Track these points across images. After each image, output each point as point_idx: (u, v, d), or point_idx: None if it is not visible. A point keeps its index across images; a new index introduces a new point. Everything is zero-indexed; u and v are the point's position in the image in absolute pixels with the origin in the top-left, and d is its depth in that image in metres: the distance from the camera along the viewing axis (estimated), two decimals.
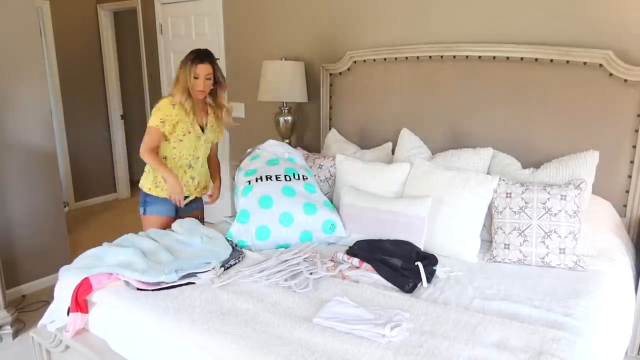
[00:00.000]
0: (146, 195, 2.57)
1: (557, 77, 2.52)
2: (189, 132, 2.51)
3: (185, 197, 2.58)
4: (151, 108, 4.99)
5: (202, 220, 2.82)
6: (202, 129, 2.58)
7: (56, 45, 4.86)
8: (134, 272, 1.88)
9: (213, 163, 2.81)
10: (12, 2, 3.04)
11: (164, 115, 2.43)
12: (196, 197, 2.71)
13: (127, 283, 1.89)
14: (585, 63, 2.43)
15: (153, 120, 2.44)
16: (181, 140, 2.51)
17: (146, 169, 2.59)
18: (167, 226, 2.52)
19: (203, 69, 2.45)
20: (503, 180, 2.28)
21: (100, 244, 2.34)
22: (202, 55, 2.48)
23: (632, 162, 2.40)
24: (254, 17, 3.83)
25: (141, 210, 2.60)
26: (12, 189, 3.14)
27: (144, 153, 2.43)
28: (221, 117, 2.64)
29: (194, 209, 2.74)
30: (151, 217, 2.56)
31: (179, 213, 2.65)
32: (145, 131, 2.46)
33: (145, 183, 2.57)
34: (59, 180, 3.47)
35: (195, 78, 2.44)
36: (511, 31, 2.68)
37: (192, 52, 2.51)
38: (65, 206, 4.86)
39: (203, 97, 2.54)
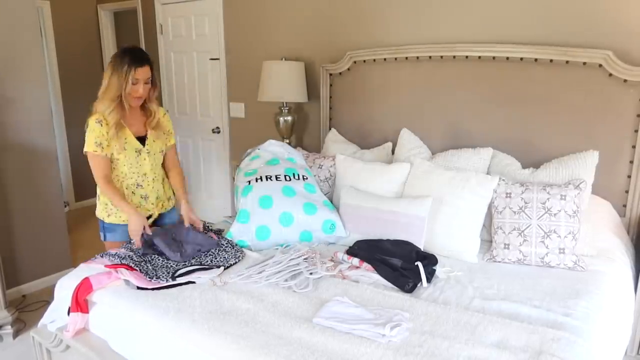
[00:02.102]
0: (102, 222, 2.32)
1: (556, 77, 2.52)
2: (124, 149, 2.20)
3: (148, 217, 2.33)
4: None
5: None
6: (143, 141, 2.26)
7: (56, 45, 4.87)
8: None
9: (173, 175, 2.44)
10: (12, 2, 3.05)
11: (97, 137, 2.12)
12: (162, 213, 2.44)
13: (127, 282, 1.90)
14: (584, 63, 2.44)
15: (88, 145, 2.13)
16: (118, 159, 2.21)
17: (97, 194, 2.33)
18: None
19: (143, 73, 2.13)
20: (503, 180, 2.29)
21: (100, 244, 2.35)
22: (140, 57, 2.15)
23: (631, 162, 2.40)
24: (254, 17, 3.83)
25: (101, 236, 2.36)
26: (12, 189, 3.14)
27: (98, 182, 2.17)
28: (159, 122, 2.32)
29: (177, 220, 2.46)
30: (113, 243, 2.31)
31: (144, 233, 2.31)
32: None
33: (98, 211, 2.33)
34: (59, 180, 3.48)
35: (134, 84, 2.13)
36: (511, 31, 2.68)
37: (124, 52, 2.14)
38: (65, 206, 4.86)
39: (140, 103, 2.25)
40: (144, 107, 2.30)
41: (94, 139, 2.12)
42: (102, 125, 2.13)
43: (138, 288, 1.87)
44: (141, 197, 2.33)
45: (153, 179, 2.34)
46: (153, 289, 1.87)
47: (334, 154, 2.99)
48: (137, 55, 2.15)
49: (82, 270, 2.05)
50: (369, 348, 1.47)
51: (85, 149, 2.15)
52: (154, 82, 2.25)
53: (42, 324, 2.08)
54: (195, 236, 2.24)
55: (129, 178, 2.27)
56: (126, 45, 2.22)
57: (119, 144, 2.18)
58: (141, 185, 2.31)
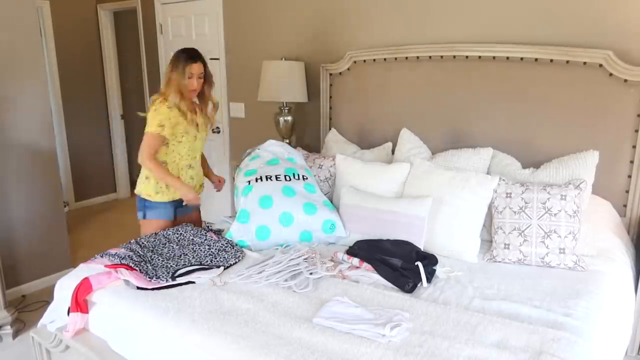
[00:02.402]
0: (145, 200, 2.54)
1: (557, 77, 2.52)
2: (187, 133, 2.50)
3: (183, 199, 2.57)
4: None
5: (199, 220, 2.82)
6: (197, 129, 2.58)
7: (56, 45, 4.87)
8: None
9: (203, 162, 2.84)
10: (12, 2, 3.05)
11: (163, 119, 2.39)
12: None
13: (126, 282, 1.89)
14: (585, 63, 2.43)
15: (151, 125, 2.39)
16: (180, 142, 2.49)
17: (143, 174, 2.55)
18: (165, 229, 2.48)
19: (197, 68, 2.45)
20: (503, 180, 2.29)
21: (100, 244, 2.34)
22: (194, 55, 2.47)
23: (632, 162, 2.40)
24: (254, 17, 3.83)
25: (140, 215, 2.57)
26: (12, 188, 3.14)
27: (146, 161, 2.39)
28: (208, 113, 2.65)
29: (192, 210, 2.72)
30: (152, 221, 2.54)
31: (177, 215, 2.63)
32: (142, 136, 2.41)
33: (144, 189, 2.53)
34: (59, 180, 3.48)
35: (189, 78, 2.43)
36: (511, 31, 2.68)
37: (182, 51, 2.48)
38: (65, 206, 4.87)
39: (194, 96, 2.54)
40: (199, 100, 2.62)
41: (159, 121, 2.39)
42: (170, 110, 2.41)
43: (138, 288, 1.87)
44: (190, 177, 2.60)
45: (198, 163, 2.67)
46: (153, 289, 1.87)
47: (334, 154, 2.99)
48: (190, 53, 2.48)
49: (82, 270, 2.04)
50: (369, 348, 1.47)
51: (147, 129, 2.40)
52: (208, 78, 2.56)
53: (42, 324, 2.08)
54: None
55: (184, 159, 2.55)
56: (183, 47, 2.55)
57: (183, 129, 2.48)
58: (192, 167, 2.61)
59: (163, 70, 4.60)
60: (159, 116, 2.39)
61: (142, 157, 2.40)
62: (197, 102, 2.60)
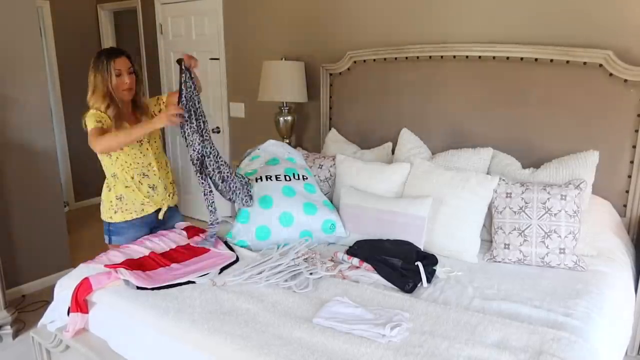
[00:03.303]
0: (108, 224, 2.31)
1: (557, 77, 2.52)
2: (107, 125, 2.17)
3: (158, 210, 2.37)
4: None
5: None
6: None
7: (56, 45, 4.87)
8: None
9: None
10: (12, 2, 3.05)
11: (97, 118, 2.12)
12: (170, 206, 2.44)
13: (126, 282, 1.89)
14: (585, 63, 2.43)
15: (90, 124, 2.10)
16: (121, 149, 2.20)
17: (102, 198, 2.32)
18: None
19: (123, 63, 2.17)
20: (503, 180, 2.29)
21: (100, 244, 2.34)
22: (115, 50, 2.21)
23: (632, 162, 2.40)
24: (254, 17, 3.83)
25: (106, 239, 2.35)
26: (12, 189, 3.14)
27: (96, 143, 2.04)
28: (151, 113, 2.34)
29: (175, 221, 2.49)
30: (117, 246, 2.29)
31: (157, 231, 2.40)
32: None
33: (104, 212, 2.31)
34: (59, 180, 3.48)
35: (118, 75, 2.15)
36: (511, 31, 2.68)
37: (100, 52, 2.20)
38: (65, 206, 4.86)
39: (131, 96, 2.26)
40: (134, 105, 2.31)
41: (94, 120, 2.11)
42: (102, 112, 2.15)
43: (138, 288, 1.87)
44: (149, 187, 2.33)
45: (158, 168, 2.35)
46: (152, 288, 1.87)
47: (334, 154, 2.99)
48: (112, 49, 2.23)
49: (82, 270, 2.05)
50: (369, 348, 1.47)
51: (89, 129, 2.11)
52: (137, 74, 2.26)
53: (42, 324, 2.08)
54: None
55: (133, 168, 2.28)
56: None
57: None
58: (147, 176, 2.31)
59: (163, 70, 4.61)
60: (92, 117, 2.12)
61: (93, 145, 2.06)
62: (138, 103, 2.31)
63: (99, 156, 2.26)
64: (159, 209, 2.38)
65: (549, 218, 2.10)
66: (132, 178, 2.28)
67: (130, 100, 2.28)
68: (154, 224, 2.42)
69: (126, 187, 2.28)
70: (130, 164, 2.26)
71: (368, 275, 1.99)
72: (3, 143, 3.07)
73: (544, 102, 2.57)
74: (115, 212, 2.29)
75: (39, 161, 3.27)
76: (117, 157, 2.24)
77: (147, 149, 2.31)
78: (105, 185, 2.33)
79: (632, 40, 2.37)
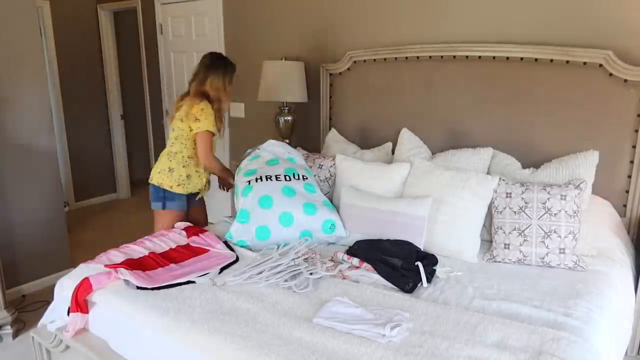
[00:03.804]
0: (165, 191, 2.66)
1: (557, 77, 2.52)
2: (216, 134, 2.72)
3: (197, 193, 2.79)
4: (151, 108, 4.99)
5: (205, 214, 3.01)
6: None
7: (56, 45, 4.87)
8: None
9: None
10: (12, 2, 3.05)
11: (213, 121, 2.60)
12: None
13: (126, 282, 1.89)
14: (585, 63, 2.43)
15: (207, 125, 2.57)
16: (215, 142, 2.72)
17: (165, 166, 2.67)
18: (181, 220, 2.70)
19: None
20: (503, 180, 2.29)
21: (100, 244, 2.35)
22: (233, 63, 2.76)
23: (632, 162, 2.40)
24: (254, 17, 3.83)
25: (159, 205, 2.69)
26: (12, 189, 3.14)
27: (209, 160, 2.65)
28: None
29: (201, 204, 2.93)
30: (170, 212, 2.69)
31: (189, 207, 2.81)
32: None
33: (166, 181, 2.66)
34: (59, 180, 3.47)
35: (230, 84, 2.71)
36: (511, 31, 2.68)
37: (225, 58, 2.73)
38: (65, 206, 4.86)
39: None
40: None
41: (212, 121, 2.60)
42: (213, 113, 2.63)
43: (138, 288, 1.87)
44: (206, 176, 2.80)
45: None
46: (152, 288, 1.87)
47: (334, 154, 2.99)
48: (231, 62, 2.75)
49: (82, 270, 2.05)
50: (369, 348, 1.47)
51: (203, 127, 2.57)
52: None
53: (42, 324, 2.08)
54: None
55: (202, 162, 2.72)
56: (216, 52, 2.75)
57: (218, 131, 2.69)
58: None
59: (163, 70, 4.60)
60: (211, 117, 2.59)
61: (205, 157, 2.63)
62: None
63: (182, 136, 2.64)
64: (198, 192, 2.82)
65: (549, 218, 2.10)
66: (201, 165, 2.72)
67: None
68: (190, 199, 2.80)
69: (196, 171, 2.72)
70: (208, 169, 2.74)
71: (368, 275, 1.99)
72: (3, 143, 3.07)
73: (544, 102, 2.57)
74: (178, 185, 2.66)
75: (39, 161, 3.27)
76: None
77: (218, 145, 2.83)
78: (178, 160, 2.66)
79: (632, 40, 2.37)
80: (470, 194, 2.26)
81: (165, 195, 2.68)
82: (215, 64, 2.68)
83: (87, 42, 5.19)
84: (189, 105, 2.60)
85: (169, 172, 2.66)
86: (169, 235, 2.38)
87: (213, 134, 2.63)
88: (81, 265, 2.11)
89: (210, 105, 2.61)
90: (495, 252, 2.18)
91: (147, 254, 2.15)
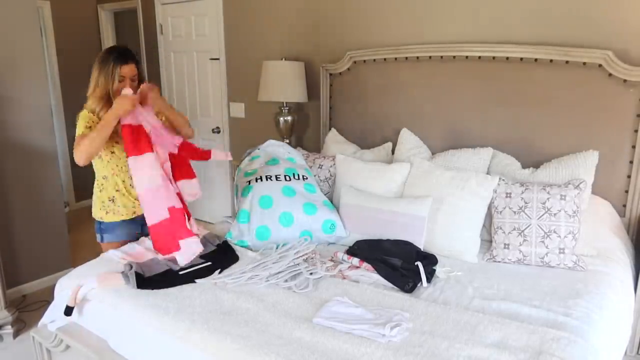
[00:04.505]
0: (100, 223, 2.33)
1: (556, 77, 2.52)
2: (117, 142, 2.24)
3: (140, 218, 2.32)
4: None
5: None
6: None
7: (56, 45, 4.87)
8: None
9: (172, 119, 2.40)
10: (12, 2, 3.05)
11: (87, 122, 2.16)
12: None
13: (126, 281, 1.89)
14: (584, 63, 2.44)
15: (79, 129, 2.15)
16: (113, 152, 2.25)
17: (95, 191, 2.34)
18: None
19: (128, 70, 2.18)
20: (503, 180, 2.29)
21: (100, 244, 2.37)
22: (124, 55, 2.19)
23: (631, 162, 2.40)
24: (254, 17, 3.83)
25: (98, 237, 2.36)
26: (12, 189, 3.14)
27: (76, 152, 2.11)
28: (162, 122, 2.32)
29: None
30: (111, 244, 2.32)
31: (144, 231, 2.37)
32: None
33: (95, 211, 2.33)
34: (59, 180, 3.48)
35: (120, 81, 2.17)
36: (511, 31, 2.68)
37: (109, 51, 2.21)
38: (65, 206, 4.86)
39: None
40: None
41: (85, 124, 2.15)
42: (94, 115, 2.17)
43: (138, 287, 1.87)
44: (135, 199, 2.30)
45: None
46: (153, 288, 1.87)
47: (334, 154, 2.99)
48: (122, 53, 2.19)
49: (82, 271, 2.05)
50: (369, 348, 1.47)
51: (77, 134, 2.15)
52: (142, 80, 2.28)
53: (42, 323, 2.08)
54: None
55: (124, 172, 2.27)
56: (113, 45, 2.22)
57: (111, 140, 2.19)
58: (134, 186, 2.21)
59: (163, 70, 4.60)
60: (83, 121, 2.17)
61: (75, 157, 2.13)
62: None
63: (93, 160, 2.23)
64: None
65: (549, 218, 2.10)
66: (123, 182, 2.29)
67: None
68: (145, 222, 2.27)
69: (116, 190, 2.29)
70: (121, 168, 2.27)
71: (368, 275, 1.99)
72: (3, 143, 3.07)
73: (544, 102, 2.57)
74: (106, 213, 2.30)
75: (39, 161, 3.27)
76: (107, 161, 2.26)
77: None
78: (96, 186, 2.33)
79: (631, 41, 2.37)
80: (470, 194, 2.26)
81: (101, 228, 2.33)
82: (99, 58, 2.21)
83: (87, 42, 5.19)
84: None
85: (94, 202, 2.33)
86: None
87: (84, 135, 2.12)
88: (81, 265, 2.11)
89: (84, 111, 2.21)
90: (495, 252, 2.18)
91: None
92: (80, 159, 2.12)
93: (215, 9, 4.04)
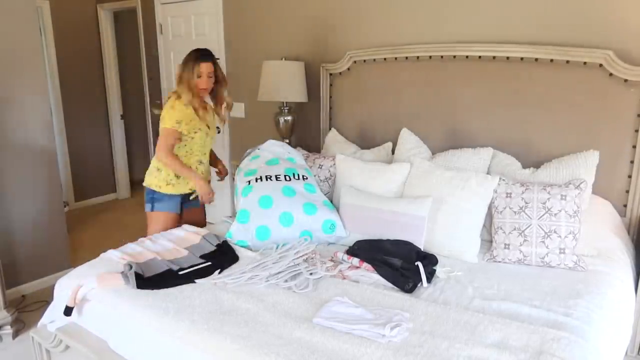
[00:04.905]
0: (154, 192, 2.61)
1: (557, 77, 2.52)
2: (200, 130, 2.59)
3: (192, 193, 2.66)
4: (150, 108, 4.99)
5: (204, 217, 2.90)
6: (208, 126, 2.66)
7: (56, 45, 4.86)
8: None
9: (212, 153, 2.91)
10: (12, 2, 3.04)
11: (180, 115, 2.49)
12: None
13: (126, 281, 1.89)
14: (585, 63, 2.43)
15: (168, 121, 2.48)
16: (193, 138, 2.58)
17: (154, 166, 2.62)
18: (174, 222, 2.64)
19: (205, 68, 2.52)
20: (503, 180, 2.28)
21: (100, 244, 2.36)
22: (204, 54, 2.56)
23: (632, 162, 2.40)
24: (254, 17, 3.83)
25: (148, 207, 2.63)
26: (12, 189, 3.14)
27: (164, 156, 2.48)
28: (220, 112, 2.74)
29: (197, 205, 2.77)
30: (159, 213, 2.61)
31: (183, 209, 2.71)
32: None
33: (154, 181, 2.60)
34: (59, 180, 3.48)
35: (199, 77, 2.51)
36: (511, 31, 2.68)
37: (194, 51, 2.58)
38: (65, 206, 4.86)
39: (205, 95, 2.63)
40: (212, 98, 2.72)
41: (176, 117, 2.48)
42: (187, 108, 2.50)
43: (138, 287, 1.87)
44: (200, 173, 2.67)
45: (207, 159, 2.77)
46: (153, 288, 1.87)
47: (334, 154, 2.99)
48: (202, 52, 2.57)
49: (82, 271, 2.05)
50: (369, 348, 1.47)
51: (163, 125, 2.48)
52: (218, 77, 2.63)
53: (42, 324, 2.08)
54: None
55: (195, 155, 2.64)
56: (197, 47, 2.63)
57: (196, 126, 2.56)
58: (202, 163, 2.69)
59: (163, 70, 4.60)
60: (176, 112, 2.48)
61: (160, 151, 2.48)
62: (210, 101, 2.71)
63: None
64: (193, 191, 2.66)
65: (549, 218, 2.09)
66: (192, 164, 2.63)
67: (203, 97, 2.63)
68: (186, 200, 2.70)
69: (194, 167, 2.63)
70: (194, 152, 2.62)
71: (368, 275, 1.99)
72: (3, 143, 3.07)
73: (544, 102, 2.57)
74: (167, 184, 2.58)
75: (39, 161, 3.27)
76: (185, 145, 2.57)
77: (209, 140, 2.70)
78: (163, 159, 2.55)
79: (632, 40, 2.37)
80: (470, 194, 2.26)
81: (154, 197, 2.61)
82: (184, 58, 2.58)
83: (87, 42, 5.18)
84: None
85: (157, 172, 2.61)
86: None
87: (176, 130, 2.48)
88: (81, 265, 2.11)
89: (179, 101, 2.51)
90: (496, 252, 2.18)
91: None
92: (160, 158, 2.52)
93: (215, 8, 4.04)
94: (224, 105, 2.72)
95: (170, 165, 2.51)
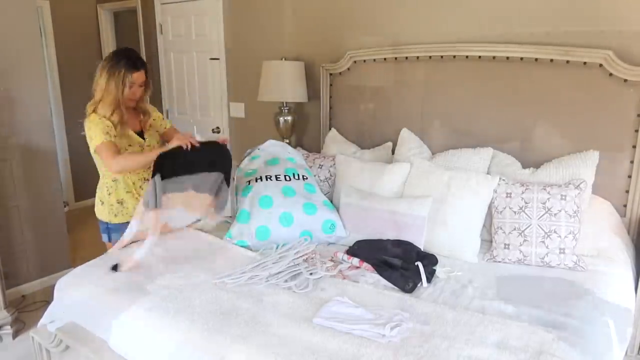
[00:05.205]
0: (107, 223, 2.38)
1: (557, 77, 2.52)
2: (130, 145, 2.29)
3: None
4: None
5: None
6: (142, 136, 2.37)
7: (56, 45, 4.86)
8: None
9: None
10: (12, 2, 3.04)
11: (103, 128, 2.15)
12: None
13: (114, 269, 1.93)
14: (585, 63, 2.43)
15: (97, 137, 2.13)
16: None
17: (97, 199, 2.39)
18: None
19: (139, 77, 2.22)
20: (503, 180, 2.29)
21: (100, 244, 2.36)
22: (136, 62, 2.22)
23: (632, 162, 2.40)
24: (254, 17, 3.83)
25: (105, 237, 2.41)
26: (12, 189, 3.14)
27: (116, 164, 2.12)
28: (146, 123, 2.41)
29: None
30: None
31: None
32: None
33: (102, 214, 2.38)
34: (58, 180, 3.48)
35: (130, 87, 2.20)
36: (512, 31, 2.68)
37: (120, 56, 2.20)
38: (65, 206, 4.86)
39: (134, 104, 2.33)
40: (137, 109, 2.39)
41: (102, 130, 2.14)
42: (106, 120, 2.18)
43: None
44: None
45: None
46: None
47: (334, 154, 2.99)
48: (132, 60, 2.21)
49: (82, 271, 2.05)
50: (369, 348, 1.47)
51: (95, 143, 2.14)
52: (148, 83, 2.33)
53: (42, 324, 2.08)
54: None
55: (136, 174, 2.36)
56: (120, 48, 2.28)
57: (125, 141, 2.27)
58: (148, 180, 2.32)
59: (163, 70, 4.60)
60: (98, 126, 2.15)
61: (108, 164, 2.14)
62: (140, 106, 2.38)
63: (98, 160, 2.27)
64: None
65: (549, 218, 2.09)
66: (134, 183, 2.36)
67: (132, 107, 2.34)
68: None
69: (127, 192, 2.35)
70: (133, 170, 2.31)
71: (368, 275, 1.99)
72: (3, 143, 3.07)
73: (544, 102, 2.57)
74: (115, 215, 2.36)
75: (39, 161, 3.27)
76: None
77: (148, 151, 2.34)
78: (103, 188, 2.36)
79: (632, 40, 2.37)
80: (470, 194, 2.26)
81: (109, 227, 2.37)
82: (107, 63, 2.20)
83: (87, 42, 5.19)
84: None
85: (102, 206, 2.37)
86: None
87: (111, 141, 2.15)
88: (81, 266, 2.11)
89: (94, 115, 2.19)
90: (495, 252, 2.18)
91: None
92: (117, 169, 2.16)
93: (215, 8, 4.03)
94: (150, 117, 2.41)
95: (129, 166, 2.17)
